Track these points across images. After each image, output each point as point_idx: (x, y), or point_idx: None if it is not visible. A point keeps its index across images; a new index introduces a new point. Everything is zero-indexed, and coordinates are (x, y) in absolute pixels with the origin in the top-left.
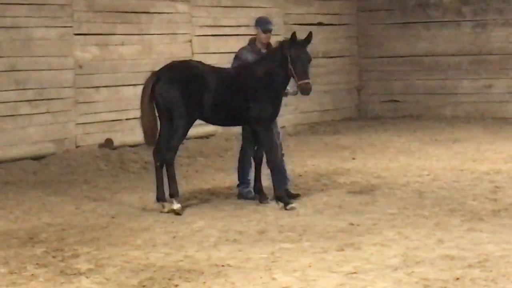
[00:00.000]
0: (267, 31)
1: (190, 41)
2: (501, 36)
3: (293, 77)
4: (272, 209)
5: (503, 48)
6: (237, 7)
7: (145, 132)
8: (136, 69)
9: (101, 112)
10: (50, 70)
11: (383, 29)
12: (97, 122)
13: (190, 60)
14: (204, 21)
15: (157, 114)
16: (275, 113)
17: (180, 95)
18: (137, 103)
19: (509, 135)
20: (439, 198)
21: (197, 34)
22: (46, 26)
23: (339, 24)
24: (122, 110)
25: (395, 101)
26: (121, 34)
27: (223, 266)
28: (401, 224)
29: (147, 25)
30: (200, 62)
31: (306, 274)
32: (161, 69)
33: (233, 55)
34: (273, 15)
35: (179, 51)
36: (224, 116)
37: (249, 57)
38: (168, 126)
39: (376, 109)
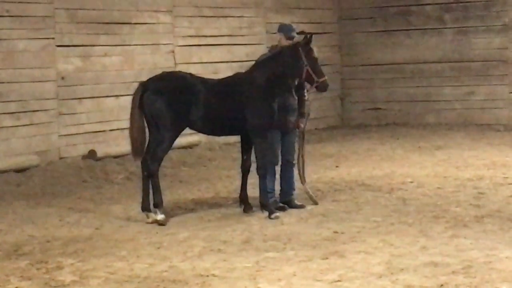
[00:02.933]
0: (291, 37)
1: (173, 51)
2: (482, 43)
3: (307, 77)
4: (256, 218)
5: (485, 55)
6: (219, 17)
7: (132, 144)
8: (119, 80)
9: (84, 124)
10: (32, 82)
11: (365, 37)
12: (81, 133)
13: (179, 71)
14: (187, 31)
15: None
16: (272, 119)
17: (165, 107)
18: (120, 114)
19: (492, 141)
20: (423, 205)
21: (179, 44)
22: (28, 38)
23: (321, 33)
24: (105, 121)
25: (378, 109)
26: (104, 45)
27: (207, 276)
28: (385, 231)
29: (129, 36)
30: (189, 73)
31: (291, 283)
32: (148, 79)
33: (216, 65)
34: (254, 24)
35: (161, 62)
36: (218, 126)
37: None
38: (157, 137)
39: (359, 117)
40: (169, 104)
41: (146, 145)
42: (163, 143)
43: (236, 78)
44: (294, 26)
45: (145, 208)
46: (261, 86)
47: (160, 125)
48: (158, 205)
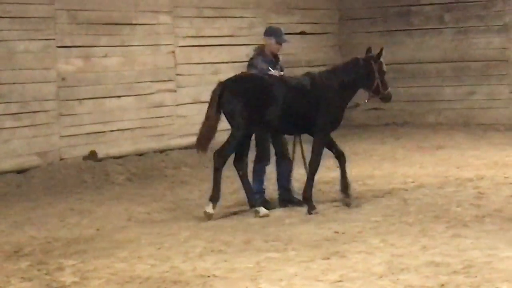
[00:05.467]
0: (282, 42)
1: (173, 52)
2: (482, 43)
3: (375, 88)
4: (257, 218)
5: (485, 54)
6: (219, 17)
7: (199, 138)
8: (120, 81)
9: (85, 124)
10: (33, 83)
11: (366, 37)
12: (81, 134)
13: (258, 72)
14: (187, 31)
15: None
16: (339, 122)
17: (241, 107)
18: (121, 114)
19: (492, 141)
20: (424, 205)
21: (180, 45)
22: (29, 39)
23: (322, 33)
24: (106, 122)
25: (379, 108)
26: (104, 46)
27: (208, 276)
28: (386, 231)
29: (130, 37)
30: (266, 74)
31: (292, 283)
32: (226, 80)
33: (217, 65)
34: (255, 25)
35: (162, 62)
36: (292, 125)
37: (264, 66)
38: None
39: (359, 117)
40: (246, 105)
41: (211, 142)
42: (232, 141)
43: (312, 80)
44: (283, 29)
45: (215, 199)
46: (336, 91)
47: (232, 124)
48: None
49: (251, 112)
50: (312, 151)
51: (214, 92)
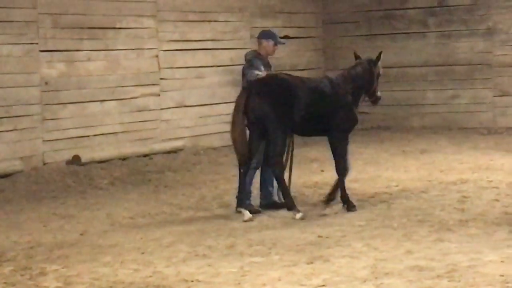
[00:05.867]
0: (280, 44)
1: (157, 56)
2: (466, 47)
3: (372, 91)
4: (240, 223)
5: (468, 58)
6: (203, 21)
7: (238, 150)
8: (103, 85)
9: (68, 129)
10: (16, 87)
11: (349, 41)
12: (65, 138)
13: (280, 73)
14: (171, 36)
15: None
16: (355, 123)
17: (272, 108)
18: (104, 118)
19: (476, 145)
20: (407, 209)
21: (164, 49)
22: (12, 43)
23: (305, 37)
24: (90, 126)
25: (363, 112)
26: (88, 50)
27: (192, 281)
28: (370, 235)
29: (113, 41)
30: (288, 74)
31: None
32: (250, 84)
33: (201, 69)
34: (239, 29)
35: (146, 66)
36: (312, 127)
37: (262, 67)
38: (258, 139)
39: None
40: (275, 106)
41: (247, 145)
42: (277, 144)
43: (331, 83)
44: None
45: (240, 205)
46: (351, 93)
47: (270, 126)
48: (291, 207)
49: (281, 111)
50: (337, 155)
51: (239, 97)
